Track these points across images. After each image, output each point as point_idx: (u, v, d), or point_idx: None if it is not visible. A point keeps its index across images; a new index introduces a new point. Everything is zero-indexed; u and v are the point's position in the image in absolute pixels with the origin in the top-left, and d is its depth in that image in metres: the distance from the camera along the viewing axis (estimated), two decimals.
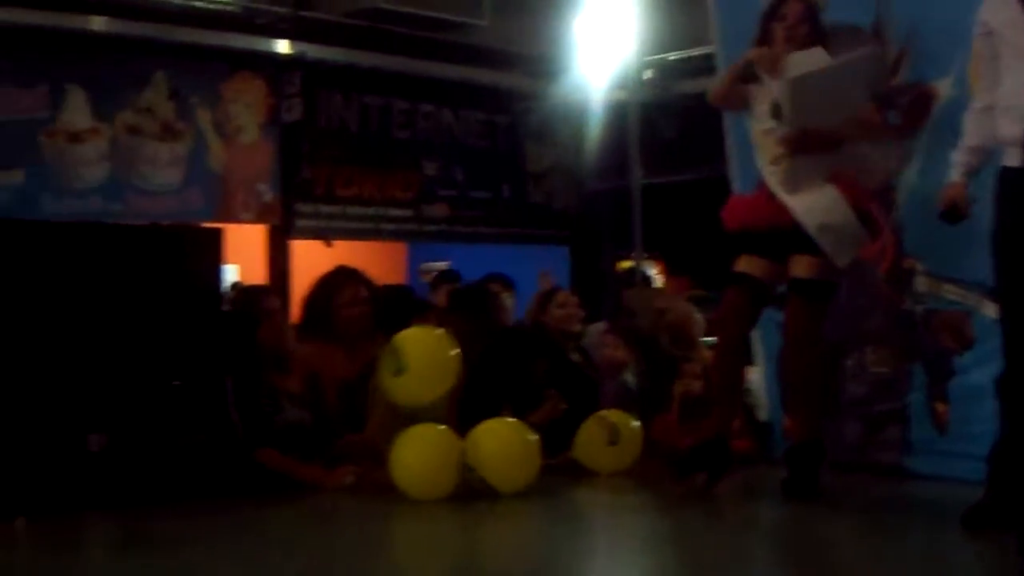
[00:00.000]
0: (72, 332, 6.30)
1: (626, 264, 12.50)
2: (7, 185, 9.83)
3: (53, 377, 6.22)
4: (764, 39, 6.59)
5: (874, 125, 6.55)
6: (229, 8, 10.61)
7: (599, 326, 8.59)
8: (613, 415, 7.29)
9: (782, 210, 6.45)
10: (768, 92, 6.51)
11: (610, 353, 8.10)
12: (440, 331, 6.90)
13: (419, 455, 6.47)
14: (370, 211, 11.76)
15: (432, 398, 6.74)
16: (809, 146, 6.42)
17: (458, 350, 6.77)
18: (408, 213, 12.04)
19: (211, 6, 10.50)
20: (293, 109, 11.17)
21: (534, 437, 6.70)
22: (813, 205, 6.40)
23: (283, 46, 10.90)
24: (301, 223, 11.33)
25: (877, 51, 6.67)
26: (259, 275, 10.67)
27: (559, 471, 7.03)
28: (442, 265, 11.91)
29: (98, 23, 10.00)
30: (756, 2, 6.76)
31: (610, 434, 7.20)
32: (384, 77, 11.65)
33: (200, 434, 6.48)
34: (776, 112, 6.50)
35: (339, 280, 7.37)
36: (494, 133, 12.65)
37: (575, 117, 12.60)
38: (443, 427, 6.59)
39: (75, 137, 10.23)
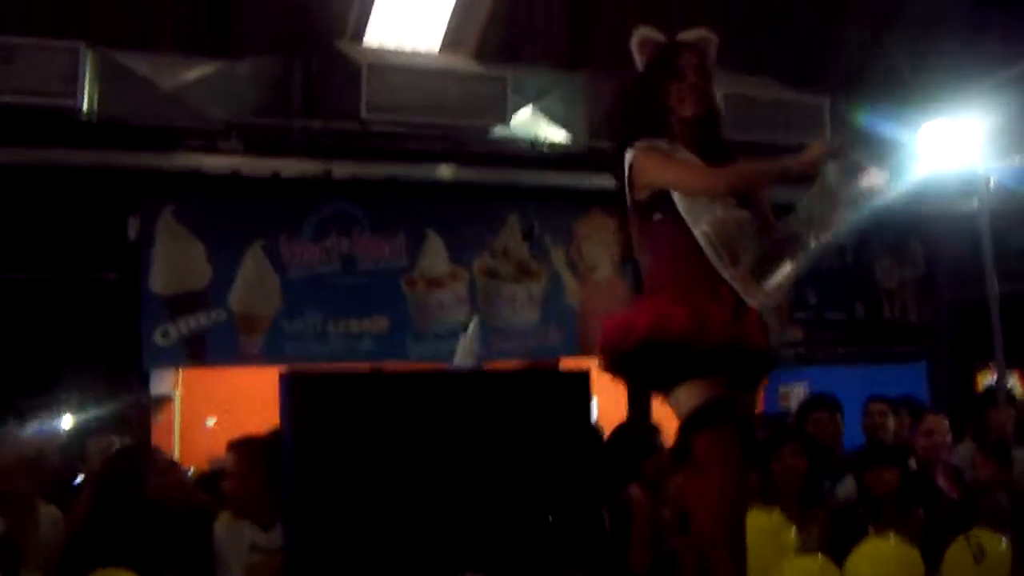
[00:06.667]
0: (447, 474, 6.51)
1: (986, 376, 12.19)
2: (374, 332, 10.24)
3: (429, 517, 6.43)
4: None
5: None
6: (577, 149, 10.76)
7: (969, 445, 8.45)
8: (982, 534, 7.18)
9: None
10: None
11: (980, 473, 7.97)
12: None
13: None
14: None
15: None
16: None
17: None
18: None
19: (559, 150, 10.73)
20: None
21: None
22: None
23: None
24: None
25: None
26: (619, 409, 10.76)
27: None
28: (799, 387, 11.83)
29: (446, 172, 10.34)
30: None
31: (977, 553, 7.09)
32: None
33: (578, 567, 6.61)
34: None
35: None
36: (844, 251, 12.52)
37: (926, 229, 12.44)
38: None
39: (435, 283, 10.57)
